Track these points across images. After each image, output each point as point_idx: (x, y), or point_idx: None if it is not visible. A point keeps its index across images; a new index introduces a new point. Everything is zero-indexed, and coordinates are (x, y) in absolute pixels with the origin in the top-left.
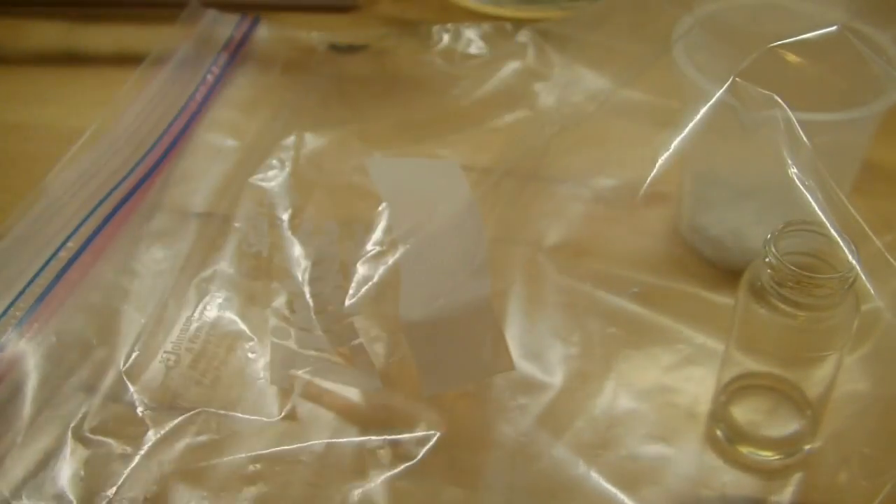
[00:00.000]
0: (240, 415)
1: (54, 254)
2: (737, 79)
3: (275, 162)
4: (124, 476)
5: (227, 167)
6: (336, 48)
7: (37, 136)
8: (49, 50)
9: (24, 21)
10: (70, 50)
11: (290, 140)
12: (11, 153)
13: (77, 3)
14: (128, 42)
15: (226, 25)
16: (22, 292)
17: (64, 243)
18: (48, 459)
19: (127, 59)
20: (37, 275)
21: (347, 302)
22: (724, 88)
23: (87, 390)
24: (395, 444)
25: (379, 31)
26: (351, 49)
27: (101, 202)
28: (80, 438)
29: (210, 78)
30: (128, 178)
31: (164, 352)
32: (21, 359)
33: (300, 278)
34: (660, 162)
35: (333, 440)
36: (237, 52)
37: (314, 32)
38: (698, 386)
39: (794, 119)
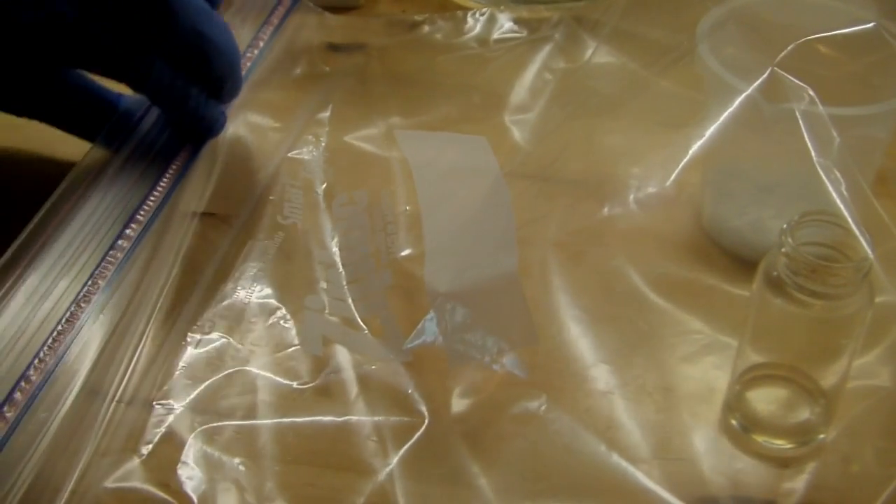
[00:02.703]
0: (272, 376)
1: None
2: (775, 69)
3: (310, 137)
4: (159, 434)
5: (265, 144)
6: (334, 47)
7: (37, 136)
8: None
9: None
10: None
11: (326, 114)
12: (11, 153)
13: None
14: None
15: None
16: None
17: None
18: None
19: None
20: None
21: (378, 272)
22: (760, 80)
23: None
24: (416, 421)
25: (408, 21)
26: (347, 48)
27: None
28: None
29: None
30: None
31: (201, 319)
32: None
33: (333, 248)
34: (691, 152)
35: (359, 413)
36: (276, 30)
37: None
38: (714, 375)
39: (823, 112)
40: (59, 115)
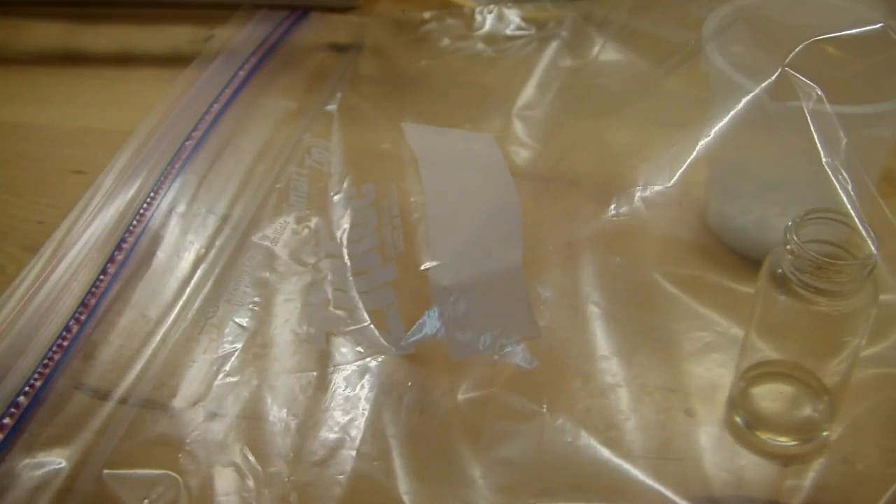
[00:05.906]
0: (276, 368)
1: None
2: (786, 68)
3: (317, 129)
4: (163, 424)
5: (271, 134)
6: (336, 47)
7: (37, 136)
8: (49, 50)
9: (24, 21)
10: (70, 50)
11: (333, 107)
12: (11, 153)
13: (77, 2)
14: (128, 42)
15: (271, 21)
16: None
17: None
18: None
19: (127, 60)
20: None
21: (384, 266)
22: (769, 80)
23: None
24: (418, 416)
25: (416, 19)
26: (349, 48)
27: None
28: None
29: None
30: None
31: (208, 309)
32: None
33: (339, 240)
34: (696, 151)
35: (362, 406)
36: (278, 44)
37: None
38: (718, 373)
39: (831, 111)
40: None
